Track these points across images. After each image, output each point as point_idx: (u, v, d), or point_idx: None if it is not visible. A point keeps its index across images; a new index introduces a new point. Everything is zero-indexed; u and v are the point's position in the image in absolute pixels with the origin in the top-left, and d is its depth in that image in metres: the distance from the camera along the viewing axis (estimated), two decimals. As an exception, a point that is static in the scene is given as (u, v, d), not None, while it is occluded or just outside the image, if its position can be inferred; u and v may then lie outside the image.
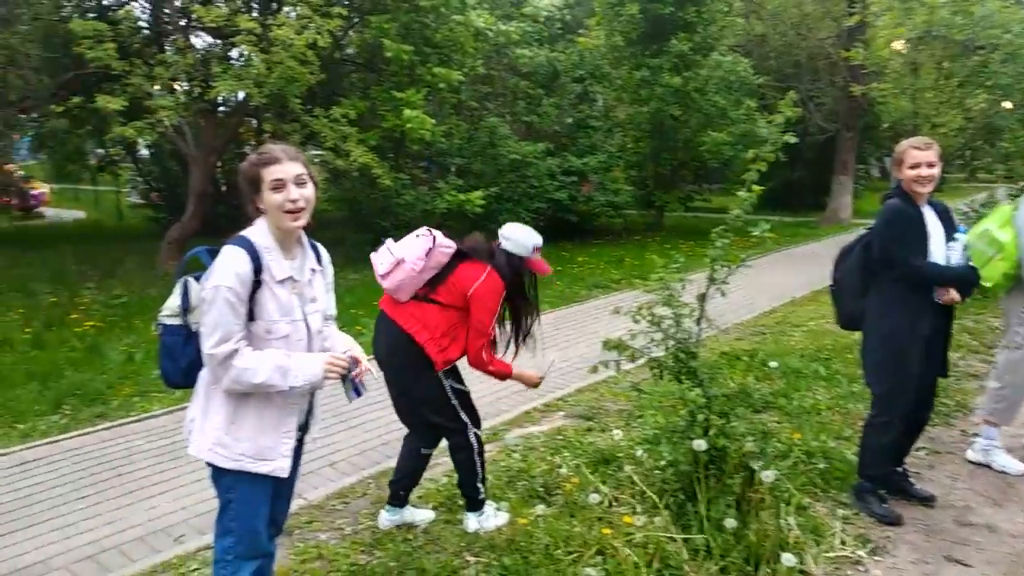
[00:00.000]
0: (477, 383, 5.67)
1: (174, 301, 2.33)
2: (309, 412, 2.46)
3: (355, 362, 2.35)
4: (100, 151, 15.67)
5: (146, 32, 12.51)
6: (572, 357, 6.67)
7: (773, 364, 5.40)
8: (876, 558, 3.21)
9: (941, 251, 3.41)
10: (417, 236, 3.24)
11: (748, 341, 6.89)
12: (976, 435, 4.25)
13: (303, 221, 2.25)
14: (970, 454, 4.22)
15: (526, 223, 11.79)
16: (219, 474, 2.29)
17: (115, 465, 4.39)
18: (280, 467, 2.30)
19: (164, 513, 3.81)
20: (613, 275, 10.74)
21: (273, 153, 2.21)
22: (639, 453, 3.93)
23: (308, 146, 12.63)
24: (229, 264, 2.15)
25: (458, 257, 3.31)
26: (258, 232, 2.25)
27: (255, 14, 10.85)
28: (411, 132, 10.49)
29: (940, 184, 3.52)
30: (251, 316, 2.20)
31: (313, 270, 2.39)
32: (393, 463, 4.26)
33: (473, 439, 3.41)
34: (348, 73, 12.94)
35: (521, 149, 12.91)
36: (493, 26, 12.03)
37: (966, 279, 3.45)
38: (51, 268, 10.77)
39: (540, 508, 3.52)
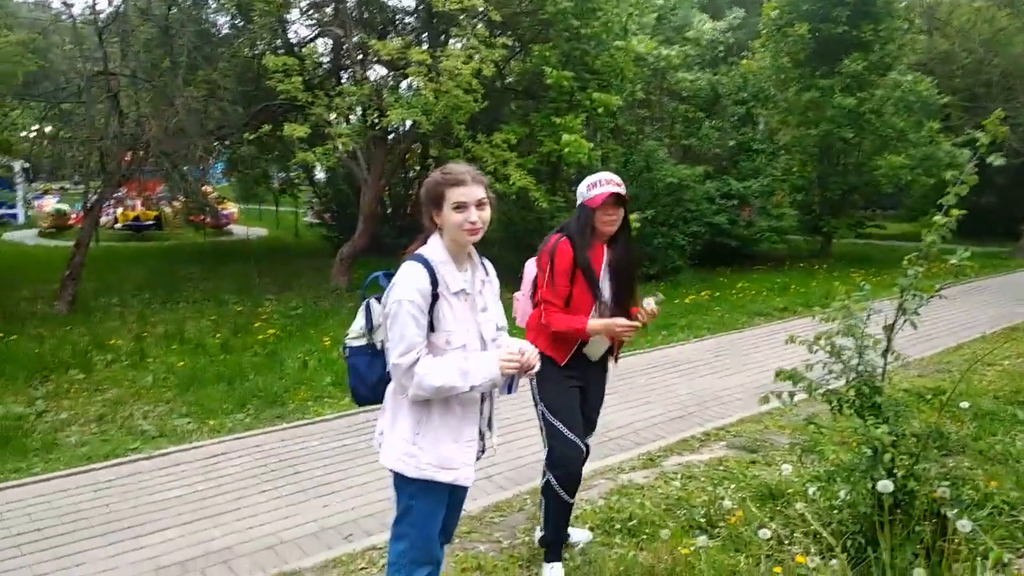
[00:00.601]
0: (628, 409, 5.61)
1: (358, 323, 2.50)
2: (489, 423, 2.53)
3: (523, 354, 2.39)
4: (282, 175, 17.11)
5: (326, 66, 13.56)
6: (732, 386, 6.42)
7: (964, 405, 4.91)
8: (1098, 631, 2.81)
9: None
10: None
11: (931, 378, 6.32)
12: None
13: (478, 238, 2.37)
14: None
15: (681, 247, 11.55)
16: (403, 482, 2.39)
17: (292, 463, 4.71)
18: (464, 476, 2.39)
19: (335, 512, 4.03)
20: (776, 303, 10.26)
21: (458, 175, 2.31)
22: (811, 491, 3.69)
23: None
24: (410, 279, 2.28)
25: None
26: (433, 248, 2.37)
27: (425, 46, 11.47)
28: (568, 156, 10.62)
29: None
30: (432, 328, 2.31)
31: (483, 281, 2.49)
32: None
33: (547, 467, 3.29)
34: (509, 100, 13.32)
35: (678, 172, 12.70)
36: (654, 51, 11.97)
37: None
38: (238, 280, 11.84)
39: (702, 539, 3.38)
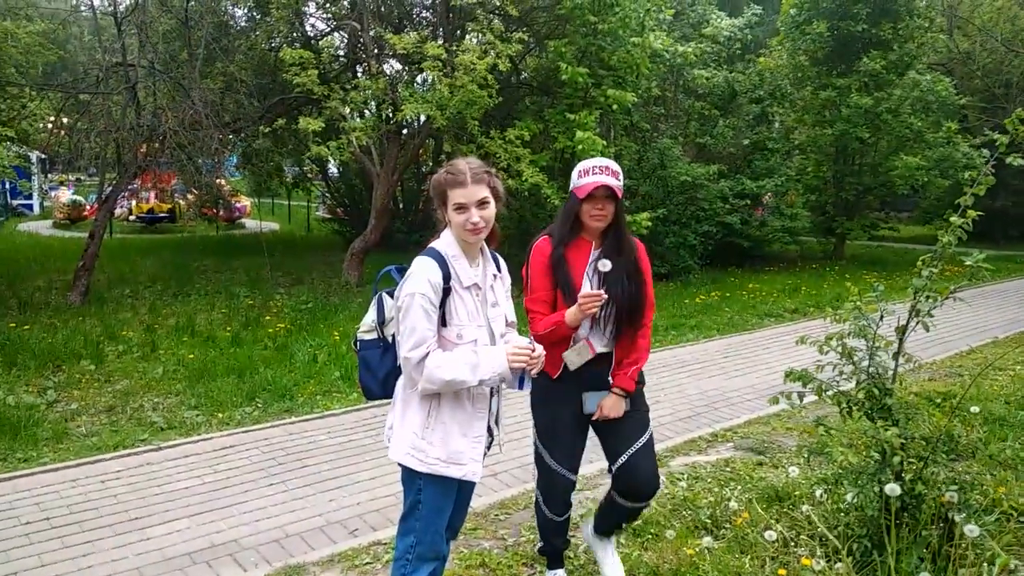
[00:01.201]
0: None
1: (370, 316, 2.51)
2: (497, 418, 2.53)
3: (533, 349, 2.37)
4: (295, 169, 17.16)
5: (342, 59, 13.59)
6: (741, 387, 6.39)
7: (974, 409, 4.86)
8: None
9: None
10: None
11: (942, 382, 6.27)
12: None
13: (483, 236, 2.38)
14: None
15: (692, 247, 11.46)
16: (411, 476, 2.40)
17: (300, 456, 4.73)
18: (472, 471, 2.39)
19: (341, 507, 4.04)
20: (787, 304, 10.20)
21: (458, 176, 2.29)
22: (818, 493, 3.66)
23: (482, 166, 13.12)
24: (422, 273, 2.28)
25: None
26: (445, 242, 2.38)
27: (441, 41, 11.47)
28: (581, 153, 10.57)
29: None
30: (443, 322, 2.32)
31: (494, 275, 2.50)
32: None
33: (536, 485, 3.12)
34: (523, 96, 13.29)
35: (692, 171, 12.62)
36: (671, 48, 11.90)
37: None
38: (249, 274, 11.89)
39: (707, 540, 3.37)
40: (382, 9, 12.60)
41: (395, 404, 2.46)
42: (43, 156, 17.41)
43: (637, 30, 11.36)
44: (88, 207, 19.21)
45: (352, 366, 6.30)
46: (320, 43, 12.66)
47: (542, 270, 2.78)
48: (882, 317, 3.16)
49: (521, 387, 2.47)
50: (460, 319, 2.32)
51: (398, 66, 13.14)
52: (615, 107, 11.33)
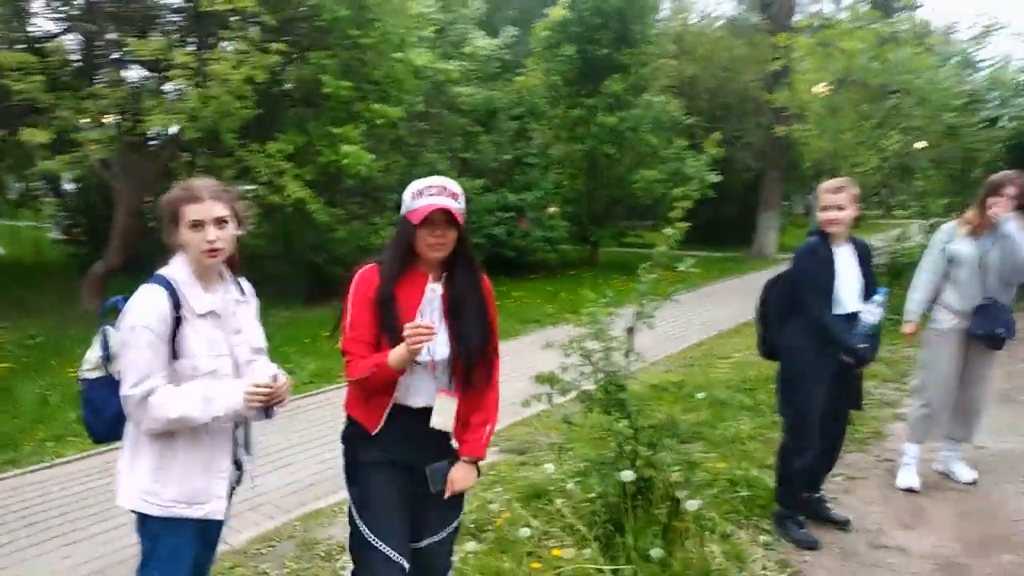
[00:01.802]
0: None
1: (94, 353, 2.30)
2: (246, 450, 2.42)
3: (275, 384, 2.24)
4: (19, 185, 15.15)
5: (77, 64, 12.23)
6: (507, 393, 6.67)
7: (700, 395, 5.55)
8: (795, 583, 3.30)
9: (851, 290, 3.56)
10: None
11: (677, 373, 7.05)
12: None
13: (221, 259, 2.26)
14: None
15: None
16: (145, 522, 2.23)
17: (26, 514, 4.19)
18: (216, 509, 2.26)
19: (79, 563, 3.65)
20: (547, 310, 10.85)
21: (194, 191, 2.19)
22: (570, 486, 3.96)
23: (242, 181, 12.48)
24: (145, 303, 2.13)
25: None
26: (176, 268, 2.24)
27: (191, 48, 10.74)
28: (348, 168, 10.48)
29: (859, 221, 3.70)
30: (175, 355, 2.17)
31: (237, 301, 2.38)
32: (323, 504, 4.23)
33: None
34: (285, 108, 12.86)
35: (459, 185, 12.99)
36: (433, 64, 12.19)
37: (860, 358, 3.52)
38: (-37, 306, 10.27)
39: (471, 545, 3.51)
40: (121, 10, 11.54)
41: (124, 445, 2.28)
42: None
43: (399, 46, 11.50)
44: None
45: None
46: (48, 46, 11.28)
47: (365, 306, 2.31)
48: (613, 320, 3.49)
49: (268, 416, 2.40)
50: (194, 350, 2.19)
51: (144, 73, 12.12)
52: (381, 122, 11.37)
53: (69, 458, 5.06)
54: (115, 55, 10.80)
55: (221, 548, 3.47)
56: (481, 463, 2.48)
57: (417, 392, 2.35)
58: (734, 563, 3.37)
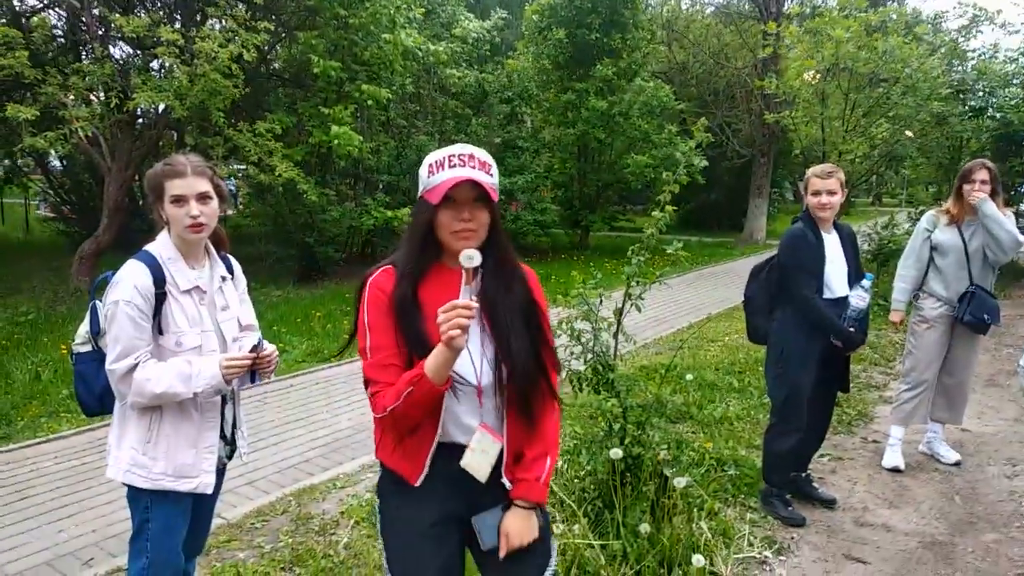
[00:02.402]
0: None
1: (83, 327, 2.32)
2: (234, 426, 2.44)
3: (257, 354, 2.30)
4: (6, 162, 14.96)
5: (62, 41, 12.08)
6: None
7: (689, 377, 5.61)
8: (781, 558, 3.38)
9: (839, 275, 3.62)
10: None
11: (666, 355, 7.12)
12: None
13: (205, 235, 2.27)
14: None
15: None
16: (136, 495, 2.25)
17: (20, 488, 4.20)
18: (204, 483, 2.28)
19: (73, 536, 3.67)
20: (540, 292, 10.88)
21: (177, 166, 2.20)
22: (560, 463, 4.01)
23: (231, 160, 12.40)
24: (128, 278, 2.14)
25: None
26: (160, 244, 2.25)
27: (178, 25, 10.63)
28: (338, 148, 10.44)
29: (848, 208, 3.74)
30: (160, 331, 2.19)
31: (223, 277, 2.39)
32: (314, 480, 4.27)
33: None
34: (275, 87, 12.78)
35: (449, 167, 12.96)
36: (422, 45, 12.12)
37: (851, 341, 3.58)
38: (-50, 284, 10.20)
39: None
40: (106, -14, 11.40)
41: (113, 420, 2.30)
42: None
43: (388, 26, 11.43)
44: None
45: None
46: (32, 20, 11.13)
47: (383, 319, 1.74)
48: (601, 302, 3.53)
49: (252, 381, 2.41)
50: (179, 326, 2.20)
51: (129, 50, 11.99)
52: (370, 102, 11.32)
53: (62, 433, 5.07)
54: (100, 31, 10.66)
55: (216, 522, 3.53)
56: (539, 505, 1.84)
57: (466, 424, 1.78)
58: (721, 539, 3.43)
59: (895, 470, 4.35)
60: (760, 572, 3.26)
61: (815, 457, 4.14)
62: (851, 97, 12.59)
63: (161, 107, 10.67)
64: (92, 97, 10.09)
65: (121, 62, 11.68)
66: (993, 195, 4.08)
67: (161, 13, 11.26)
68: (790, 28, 13.40)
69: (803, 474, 3.96)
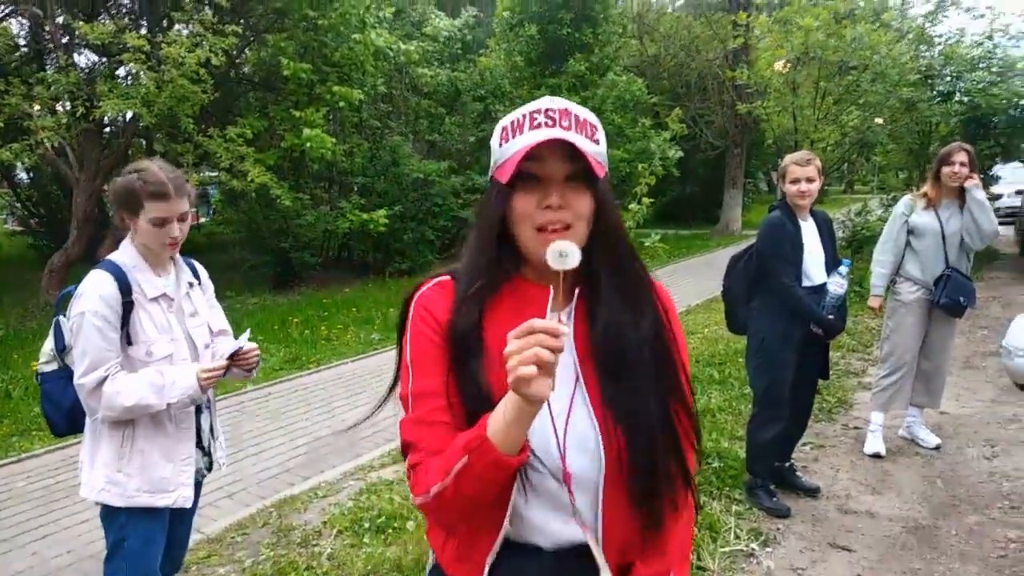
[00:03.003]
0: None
1: (47, 345, 2.26)
2: (211, 436, 2.39)
3: (235, 357, 2.28)
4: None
5: (25, 50, 11.85)
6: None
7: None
8: (768, 549, 3.37)
9: (817, 263, 3.62)
10: None
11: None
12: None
13: (177, 251, 2.25)
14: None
15: (431, 242, 11.57)
16: (110, 513, 2.19)
17: (-9, 510, 4.10)
18: (182, 496, 2.22)
19: (48, 558, 3.57)
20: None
21: (162, 188, 2.10)
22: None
23: (202, 167, 12.24)
24: (93, 288, 2.08)
25: None
26: (124, 253, 2.19)
27: (144, 31, 10.46)
28: (311, 151, 10.33)
29: (821, 196, 3.74)
30: (129, 341, 2.13)
31: (190, 283, 2.34)
32: (295, 490, 4.21)
33: None
34: (245, 92, 12.63)
35: (424, 168, 12.92)
36: (393, 45, 12.03)
37: (831, 328, 3.59)
38: (-84, 302, 9.96)
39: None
40: (69, -7, 11.19)
41: (85, 437, 2.23)
42: None
43: (358, 27, 11.33)
44: None
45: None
46: (-8, 30, 10.90)
47: (430, 352, 1.20)
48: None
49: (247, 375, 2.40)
50: (148, 334, 2.14)
51: (95, 58, 11.78)
52: (342, 104, 11.22)
53: (35, 452, 4.95)
54: (64, 39, 10.47)
55: (195, 537, 3.46)
56: None
57: (543, 521, 1.18)
58: (707, 533, 3.43)
59: (876, 456, 4.37)
60: (747, 565, 3.25)
61: (797, 446, 4.15)
62: (822, 85, 12.70)
63: (129, 115, 10.51)
64: (58, 107, 9.92)
65: (86, 70, 11.49)
66: (971, 177, 4.11)
67: (127, 19, 11.11)
68: (760, 18, 13.48)
69: (786, 464, 3.97)
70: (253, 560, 3.44)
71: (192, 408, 2.25)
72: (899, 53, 11.70)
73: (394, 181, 12.88)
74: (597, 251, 1.19)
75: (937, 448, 4.47)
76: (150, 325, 2.16)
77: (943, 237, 4.20)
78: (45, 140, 8.92)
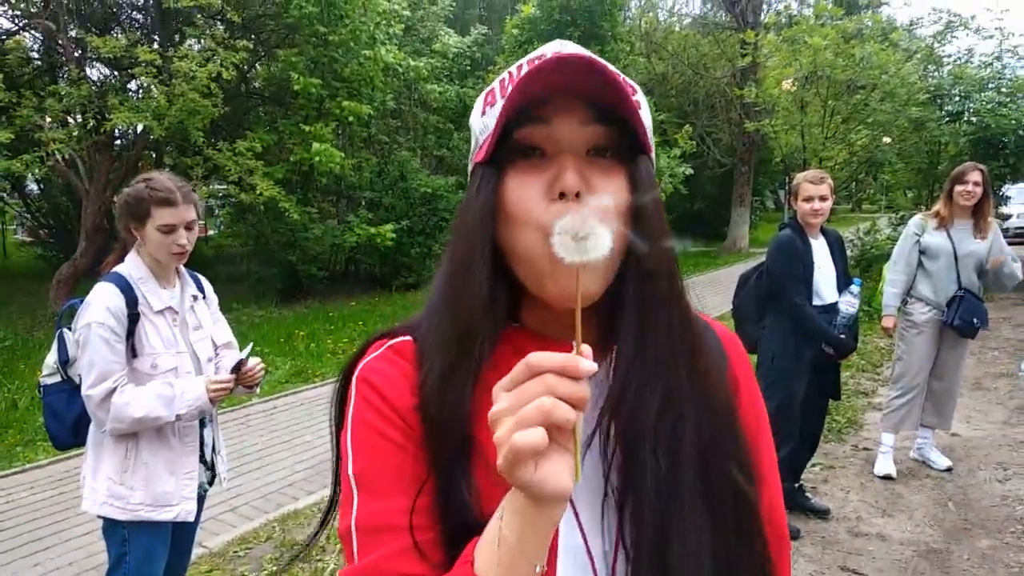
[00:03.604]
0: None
1: (51, 357, 2.26)
2: (214, 450, 2.37)
3: (240, 372, 2.28)
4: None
5: (38, 63, 11.97)
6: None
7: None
8: (777, 572, 3.32)
9: (827, 281, 3.59)
10: None
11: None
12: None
13: (185, 260, 2.24)
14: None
15: (438, 256, 11.72)
16: (112, 527, 2.17)
17: (-6, 521, 4.08)
18: (185, 511, 2.20)
19: (50, 570, 3.55)
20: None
21: (169, 195, 2.13)
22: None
23: (212, 180, 12.31)
24: (100, 300, 2.08)
25: None
26: (130, 265, 2.19)
27: (156, 45, 10.55)
28: (319, 165, 10.37)
29: (830, 214, 3.72)
30: (135, 353, 2.12)
31: (195, 296, 2.34)
32: (299, 505, 4.18)
33: None
34: (255, 106, 12.71)
35: (432, 183, 12.95)
36: (403, 61, 12.11)
37: (843, 347, 3.57)
38: (-75, 311, 10.00)
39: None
40: (82, 8, 11.31)
41: (87, 449, 2.22)
42: None
43: (368, 43, 11.41)
44: None
45: (61, 409, 5.56)
46: (7, 43, 11.02)
47: (381, 444, 0.72)
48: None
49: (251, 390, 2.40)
50: (154, 347, 2.14)
51: (106, 71, 11.89)
52: (352, 119, 11.28)
53: (39, 462, 4.93)
54: (76, 53, 10.57)
55: (197, 551, 3.43)
56: None
57: None
58: (716, 554, 3.38)
59: (887, 477, 4.31)
60: (756, 587, 3.20)
61: (807, 467, 4.10)
62: (830, 104, 12.70)
63: (139, 128, 10.59)
64: (69, 119, 10.00)
65: (98, 83, 11.59)
66: (984, 197, 4.08)
67: (139, 34, 11.19)
68: (768, 37, 13.52)
69: (796, 484, 3.92)
70: (256, 575, 3.41)
71: (195, 421, 2.24)
72: (908, 73, 11.71)
73: (402, 196, 12.91)
74: (631, 278, 0.73)
75: (948, 470, 4.42)
76: (155, 338, 2.15)
77: (955, 258, 4.16)
78: (56, 152, 8.97)
